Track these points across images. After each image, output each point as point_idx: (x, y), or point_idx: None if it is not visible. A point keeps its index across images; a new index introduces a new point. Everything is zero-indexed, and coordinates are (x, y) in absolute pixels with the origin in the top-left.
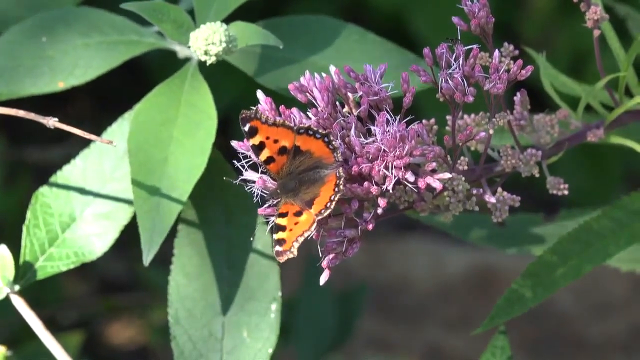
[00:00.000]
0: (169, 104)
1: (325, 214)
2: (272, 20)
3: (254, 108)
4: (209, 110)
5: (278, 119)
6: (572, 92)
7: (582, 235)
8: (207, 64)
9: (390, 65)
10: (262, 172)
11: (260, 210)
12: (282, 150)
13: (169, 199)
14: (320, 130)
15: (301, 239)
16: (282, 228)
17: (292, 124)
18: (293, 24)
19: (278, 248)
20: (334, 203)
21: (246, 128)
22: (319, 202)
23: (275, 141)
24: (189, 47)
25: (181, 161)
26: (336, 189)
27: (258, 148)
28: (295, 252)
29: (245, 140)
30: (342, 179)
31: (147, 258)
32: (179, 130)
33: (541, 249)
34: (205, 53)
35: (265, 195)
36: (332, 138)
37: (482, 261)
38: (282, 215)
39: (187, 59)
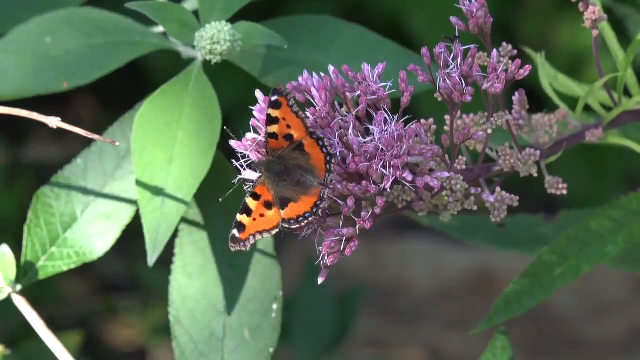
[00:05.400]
0: (174, 104)
1: (292, 227)
2: (275, 21)
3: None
4: (213, 111)
5: (301, 112)
6: (570, 92)
7: (581, 236)
8: (212, 63)
9: (395, 65)
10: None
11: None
12: (288, 137)
13: (173, 200)
14: (328, 147)
15: (259, 237)
16: (249, 211)
17: (308, 124)
18: (296, 25)
19: (235, 233)
20: (304, 222)
21: (273, 98)
22: (293, 208)
23: (288, 126)
24: (194, 47)
25: (186, 162)
26: (313, 209)
27: (272, 121)
28: (248, 248)
29: (267, 103)
30: (323, 203)
31: (151, 259)
32: (183, 131)
33: (540, 249)
34: (210, 52)
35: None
36: (334, 161)
37: (481, 262)
38: (255, 196)
39: (190, 60)
